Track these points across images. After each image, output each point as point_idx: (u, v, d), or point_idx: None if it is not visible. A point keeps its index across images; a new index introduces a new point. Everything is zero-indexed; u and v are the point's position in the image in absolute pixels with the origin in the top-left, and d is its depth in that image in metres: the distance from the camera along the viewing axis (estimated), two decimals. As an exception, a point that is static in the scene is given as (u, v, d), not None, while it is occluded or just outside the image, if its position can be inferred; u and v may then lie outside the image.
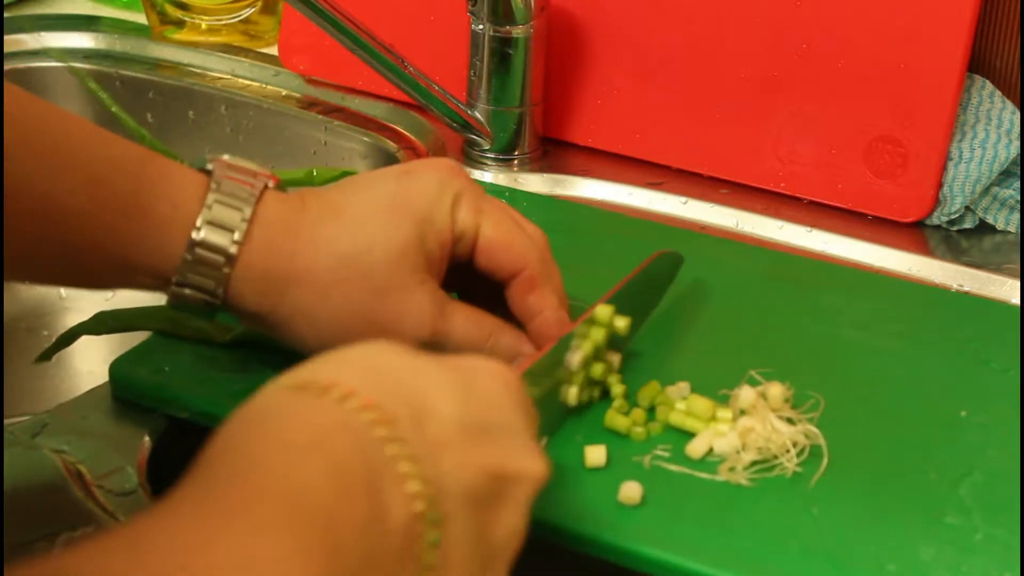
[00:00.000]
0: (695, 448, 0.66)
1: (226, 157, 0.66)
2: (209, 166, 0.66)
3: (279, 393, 0.51)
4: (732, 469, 0.65)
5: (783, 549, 0.61)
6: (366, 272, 0.65)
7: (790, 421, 0.67)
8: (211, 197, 0.64)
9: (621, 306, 0.69)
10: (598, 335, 0.67)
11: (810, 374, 0.72)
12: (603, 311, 0.68)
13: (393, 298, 0.65)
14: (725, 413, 0.67)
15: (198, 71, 1.10)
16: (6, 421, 0.80)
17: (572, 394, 0.66)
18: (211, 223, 0.64)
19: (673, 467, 0.65)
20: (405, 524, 0.49)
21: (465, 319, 0.67)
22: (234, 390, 0.69)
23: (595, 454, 0.65)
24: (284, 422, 0.49)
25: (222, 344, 0.73)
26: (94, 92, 1.07)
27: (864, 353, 0.76)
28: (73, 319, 1.06)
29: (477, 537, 0.52)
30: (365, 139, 1.02)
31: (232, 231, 0.64)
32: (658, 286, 0.76)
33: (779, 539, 0.61)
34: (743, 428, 0.66)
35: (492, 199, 0.69)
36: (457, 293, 0.70)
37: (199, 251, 0.64)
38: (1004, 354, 0.76)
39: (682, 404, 0.68)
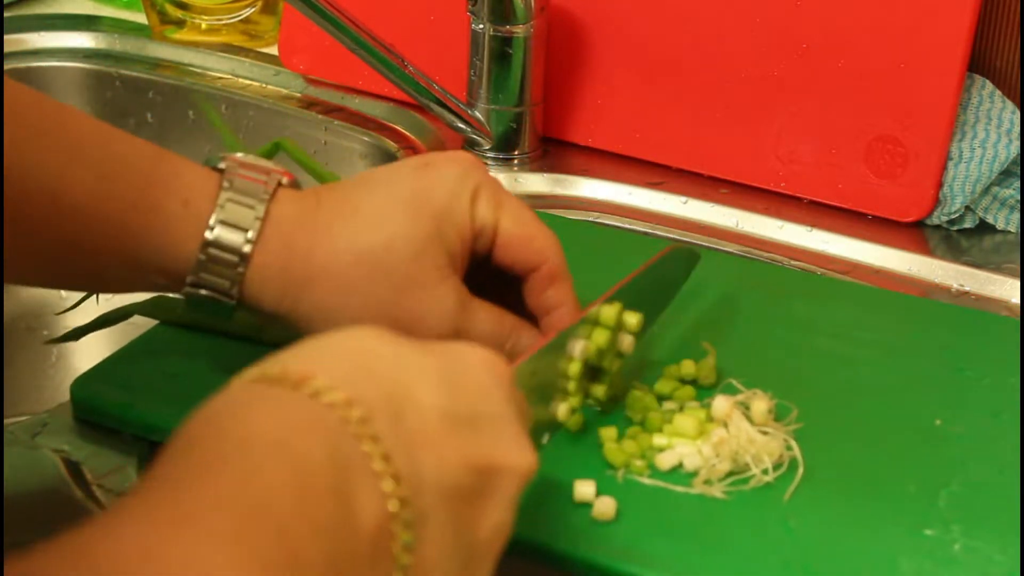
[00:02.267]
0: (664, 460, 0.65)
1: (239, 155, 0.65)
2: (221, 164, 0.65)
3: (248, 386, 0.49)
4: (707, 482, 0.64)
5: (761, 563, 0.60)
6: (387, 269, 0.64)
7: (764, 432, 0.66)
8: (224, 196, 0.63)
9: (628, 301, 0.68)
10: (601, 334, 0.66)
11: (783, 384, 0.71)
12: (608, 309, 0.67)
13: (415, 294, 0.64)
14: (706, 426, 0.66)
15: (198, 71, 1.10)
16: (6, 421, 0.80)
17: (563, 410, 0.65)
18: (224, 222, 0.63)
19: (647, 481, 0.64)
20: (377, 525, 0.47)
21: (487, 316, 0.66)
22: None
23: (584, 488, 0.63)
24: (248, 418, 0.47)
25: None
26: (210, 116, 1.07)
27: (837, 362, 0.75)
28: (73, 319, 1.06)
29: (458, 535, 0.50)
30: (365, 139, 1.02)
31: (246, 230, 0.63)
32: (670, 283, 0.74)
33: (756, 553, 0.61)
34: (717, 439, 0.65)
35: (511, 194, 0.68)
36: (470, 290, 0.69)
37: (212, 250, 0.63)
38: (978, 361, 0.75)
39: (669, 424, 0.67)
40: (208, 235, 0.63)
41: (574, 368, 0.65)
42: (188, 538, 0.42)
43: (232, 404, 0.49)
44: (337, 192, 0.66)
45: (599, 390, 0.68)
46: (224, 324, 0.73)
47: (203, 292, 0.64)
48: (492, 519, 0.51)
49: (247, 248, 0.63)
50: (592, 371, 0.67)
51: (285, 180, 0.65)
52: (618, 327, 0.67)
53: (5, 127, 0.60)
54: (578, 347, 0.65)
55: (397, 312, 0.64)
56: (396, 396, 0.50)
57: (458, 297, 0.65)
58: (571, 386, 0.65)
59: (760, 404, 0.67)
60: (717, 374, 0.71)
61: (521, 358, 0.62)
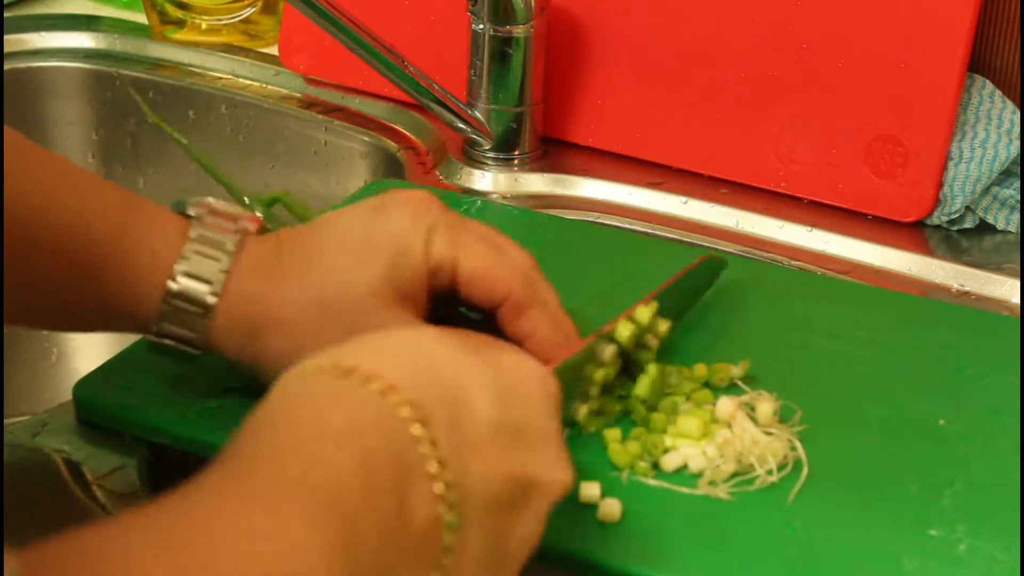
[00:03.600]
0: (669, 461, 0.65)
1: (210, 200, 0.66)
2: (191, 210, 0.65)
3: (319, 376, 0.51)
4: (712, 483, 0.64)
5: (765, 564, 0.60)
6: (338, 313, 0.64)
7: (768, 433, 0.66)
8: (189, 247, 0.64)
9: (661, 308, 0.69)
10: (630, 332, 0.67)
11: (785, 384, 0.71)
12: (643, 311, 0.68)
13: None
14: (710, 427, 0.66)
15: (198, 71, 1.10)
16: (6, 421, 0.80)
17: (583, 412, 0.66)
18: (188, 275, 0.64)
19: (652, 482, 0.65)
20: (426, 524, 0.49)
21: None
22: (205, 409, 0.68)
23: (590, 490, 0.63)
24: (321, 409, 0.50)
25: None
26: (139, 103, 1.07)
27: (838, 361, 0.75)
28: (73, 319, 1.06)
29: (493, 542, 0.52)
30: (365, 139, 1.02)
31: (210, 282, 0.64)
32: (696, 288, 0.76)
33: (761, 554, 0.61)
34: (722, 440, 0.65)
35: (472, 226, 0.68)
36: (465, 309, 0.69)
37: (176, 301, 0.64)
38: (978, 360, 0.75)
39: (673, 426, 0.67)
40: (172, 285, 0.63)
41: (599, 374, 0.66)
42: (264, 513, 0.45)
43: (303, 392, 0.51)
44: (298, 239, 0.67)
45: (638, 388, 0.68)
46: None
47: (167, 341, 0.65)
48: (524, 530, 0.54)
49: (212, 300, 0.64)
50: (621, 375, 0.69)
51: (252, 227, 0.66)
52: (648, 328, 0.68)
53: None
54: (608, 350, 0.66)
55: None
56: (455, 403, 0.52)
57: None
58: (594, 390, 0.66)
59: (766, 405, 0.67)
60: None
61: (560, 357, 0.64)
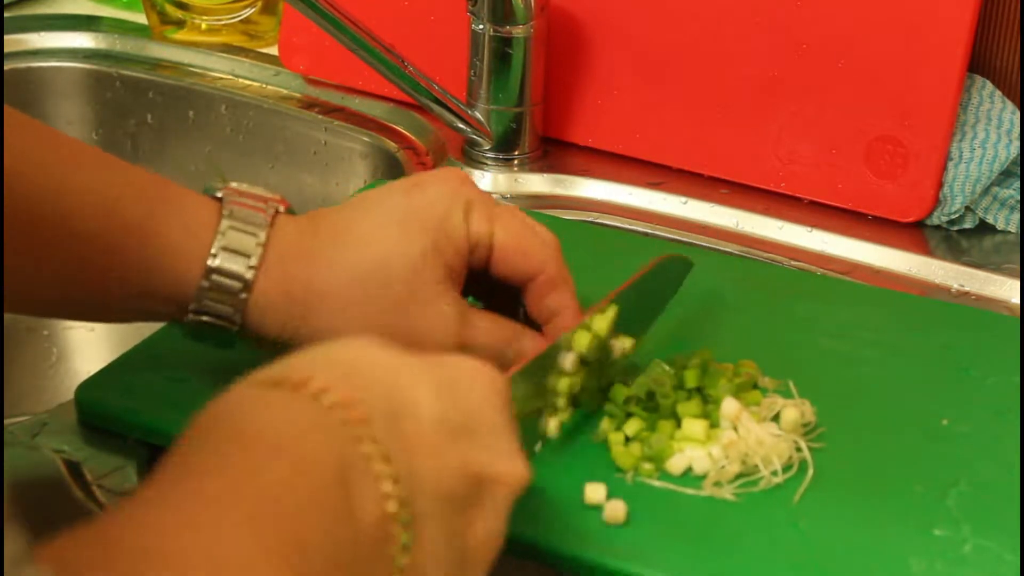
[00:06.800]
0: (675, 464, 0.65)
1: (234, 184, 0.67)
2: (219, 193, 0.66)
3: (252, 388, 0.51)
4: (717, 484, 0.64)
5: (771, 565, 0.60)
6: (384, 287, 0.65)
7: (773, 434, 0.66)
8: (224, 223, 0.65)
9: (620, 311, 0.68)
10: (588, 340, 0.66)
11: (785, 384, 0.71)
12: (600, 320, 0.67)
13: (414, 310, 0.65)
14: (715, 431, 0.66)
15: (198, 71, 1.10)
16: (6, 421, 0.80)
17: (553, 425, 0.65)
18: (226, 249, 0.64)
19: (657, 483, 0.65)
20: (376, 524, 0.48)
21: (488, 325, 0.67)
22: None
23: (595, 491, 0.63)
24: (254, 419, 0.49)
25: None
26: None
27: (840, 362, 0.75)
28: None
29: (452, 540, 0.51)
30: (365, 139, 1.02)
31: (248, 256, 0.64)
32: (663, 290, 0.75)
33: (767, 555, 0.61)
34: (727, 441, 0.65)
35: (504, 205, 0.69)
36: (471, 299, 0.70)
37: (215, 277, 0.64)
38: (982, 360, 0.75)
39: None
40: (211, 262, 0.64)
41: (563, 384, 0.65)
42: (205, 525, 0.44)
43: (239, 403, 0.50)
44: (332, 216, 0.67)
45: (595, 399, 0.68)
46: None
47: (206, 319, 0.65)
48: (484, 527, 0.53)
49: (249, 274, 0.64)
50: (591, 375, 0.67)
51: (282, 208, 0.67)
52: (609, 336, 0.67)
53: (13, 152, 0.61)
54: (568, 359, 0.65)
55: (398, 329, 0.65)
56: (394, 400, 0.51)
57: (457, 310, 0.66)
58: (560, 402, 0.65)
59: (790, 415, 0.67)
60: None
61: (515, 367, 0.63)
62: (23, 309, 0.66)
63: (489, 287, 0.70)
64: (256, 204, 0.66)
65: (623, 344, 0.68)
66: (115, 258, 0.64)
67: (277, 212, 0.66)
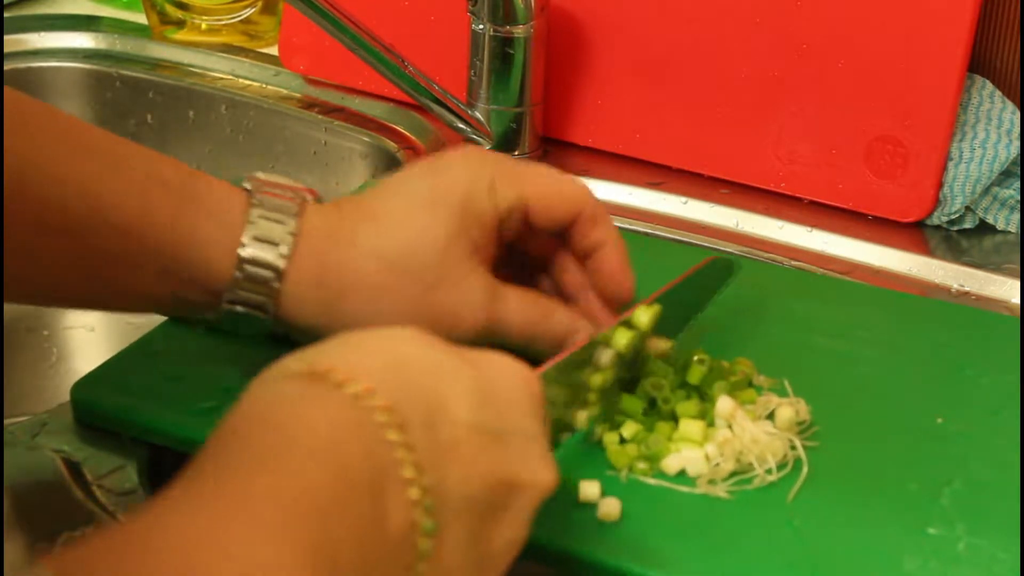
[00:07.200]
0: (670, 465, 0.65)
1: (260, 174, 0.67)
2: (246, 184, 0.66)
3: (291, 381, 0.50)
4: (712, 482, 0.64)
5: (765, 563, 0.60)
6: (414, 269, 0.66)
7: (768, 432, 0.66)
8: (255, 212, 0.65)
9: (663, 310, 0.68)
10: (628, 337, 0.66)
11: (783, 384, 0.71)
12: (642, 316, 0.66)
13: (445, 290, 0.66)
14: (711, 432, 0.66)
15: (198, 71, 1.10)
16: (6, 421, 0.80)
17: (582, 419, 0.65)
18: (257, 238, 0.65)
19: (651, 481, 0.65)
20: (402, 530, 0.48)
21: (519, 301, 0.68)
22: (205, 409, 0.68)
23: (589, 489, 0.63)
24: (295, 415, 0.49)
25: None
26: None
27: (838, 361, 0.75)
28: (73, 319, 1.06)
29: (473, 546, 0.51)
30: (365, 139, 1.02)
31: (278, 245, 0.65)
32: (702, 293, 0.75)
33: (761, 553, 0.61)
34: (722, 439, 0.65)
35: (529, 164, 0.70)
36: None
37: (248, 267, 0.65)
38: (978, 360, 0.75)
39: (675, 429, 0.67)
40: (242, 252, 0.65)
41: (597, 380, 0.65)
42: (237, 527, 0.44)
43: (278, 398, 0.50)
44: (359, 203, 0.68)
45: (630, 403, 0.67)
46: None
47: (239, 309, 0.65)
48: (507, 533, 0.53)
49: (281, 263, 0.65)
50: (623, 378, 0.67)
51: (310, 197, 0.67)
52: (648, 335, 0.67)
53: (46, 144, 0.62)
54: (606, 355, 0.65)
55: (430, 310, 0.66)
56: (432, 406, 0.51)
57: (488, 287, 0.67)
58: (592, 396, 0.65)
59: (785, 413, 0.67)
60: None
61: (551, 361, 0.63)
62: (58, 303, 0.66)
63: (521, 266, 0.71)
64: (284, 193, 0.66)
65: (661, 345, 0.68)
66: (150, 247, 0.64)
67: (305, 201, 0.66)
